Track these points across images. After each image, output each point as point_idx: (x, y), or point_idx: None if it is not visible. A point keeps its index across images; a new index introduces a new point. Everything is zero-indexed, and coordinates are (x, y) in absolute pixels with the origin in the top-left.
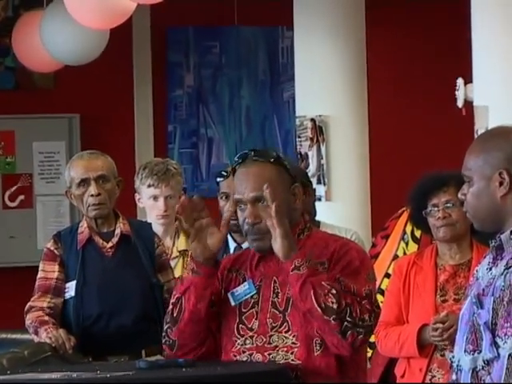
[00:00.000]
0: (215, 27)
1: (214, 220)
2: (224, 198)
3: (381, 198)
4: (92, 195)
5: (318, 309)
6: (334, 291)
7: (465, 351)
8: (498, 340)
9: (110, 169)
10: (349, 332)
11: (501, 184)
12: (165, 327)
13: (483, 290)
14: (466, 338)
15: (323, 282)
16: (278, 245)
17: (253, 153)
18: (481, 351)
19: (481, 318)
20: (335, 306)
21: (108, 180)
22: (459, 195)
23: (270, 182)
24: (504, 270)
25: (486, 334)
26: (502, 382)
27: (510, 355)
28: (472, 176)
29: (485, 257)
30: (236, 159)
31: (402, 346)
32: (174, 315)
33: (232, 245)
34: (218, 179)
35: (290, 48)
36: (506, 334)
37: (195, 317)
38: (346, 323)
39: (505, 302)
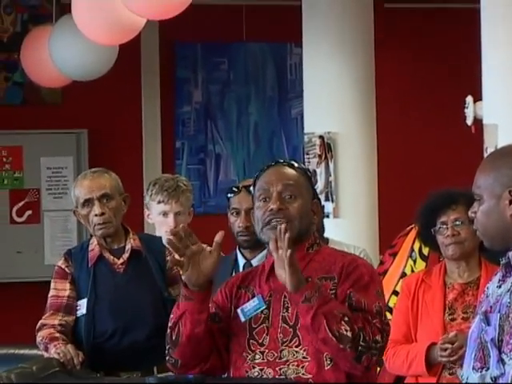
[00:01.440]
0: (224, 43)
1: (227, 236)
2: (235, 213)
3: (389, 216)
4: (96, 215)
5: (333, 338)
6: (346, 318)
7: (473, 368)
8: (504, 356)
9: (114, 186)
10: (364, 356)
11: (510, 202)
12: (167, 347)
13: (491, 307)
14: (474, 356)
15: (335, 311)
16: (287, 278)
17: (282, 160)
18: (488, 368)
19: (488, 334)
20: (349, 334)
21: (112, 198)
22: (469, 213)
23: (297, 182)
24: (511, 286)
25: (493, 350)
26: None
27: None
28: (482, 194)
29: (495, 274)
30: (262, 168)
31: (411, 364)
32: (173, 339)
33: (241, 261)
34: (229, 195)
35: (298, 64)
36: (511, 351)
37: (194, 340)
38: (360, 348)
39: (510, 319)
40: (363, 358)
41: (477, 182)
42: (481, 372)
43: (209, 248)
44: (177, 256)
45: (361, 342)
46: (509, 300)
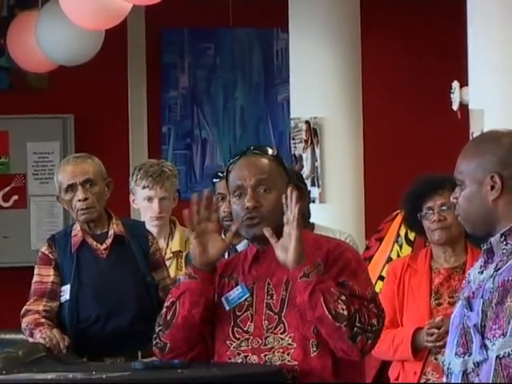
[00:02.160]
0: (210, 29)
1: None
2: (220, 199)
3: (375, 201)
4: (79, 200)
5: (329, 316)
6: (343, 297)
7: (455, 354)
8: (487, 342)
9: (97, 171)
10: (359, 337)
11: (492, 188)
12: (156, 329)
13: (473, 292)
14: (457, 341)
15: (332, 289)
16: (291, 249)
17: (252, 147)
18: (471, 354)
19: (470, 320)
20: (345, 313)
21: (95, 183)
22: (451, 199)
23: (270, 173)
24: (493, 272)
25: (476, 336)
26: (491, 383)
27: (497, 356)
28: (464, 179)
29: (477, 260)
30: (234, 156)
31: (397, 349)
32: (168, 319)
33: None
34: (215, 180)
35: (284, 50)
36: (494, 336)
37: (189, 322)
38: (355, 329)
39: (493, 304)
40: (358, 339)
41: (459, 168)
42: (463, 357)
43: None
44: (193, 221)
45: (356, 323)
46: (492, 285)
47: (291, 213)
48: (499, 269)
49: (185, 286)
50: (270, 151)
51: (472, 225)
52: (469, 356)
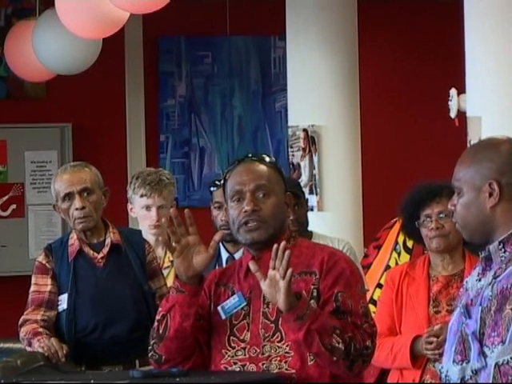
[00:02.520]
0: (207, 37)
1: (205, 230)
2: (217, 207)
3: (373, 209)
4: (77, 209)
5: (326, 352)
6: (337, 331)
7: (453, 361)
8: (486, 349)
9: (95, 180)
10: (355, 364)
11: (490, 195)
12: (150, 342)
13: (471, 300)
14: (455, 349)
15: (326, 325)
16: (281, 300)
17: (250, 154)
18: (469, 361)
19: (469, 327)
20: (341, 346)
21: (92, 192)
22: (449, 206)
23: (269, 178)
24: (492, 279)
25: (474, 343)
26: None
27: (496, 364)
28: (462, 187)
29: (475, 268)
30: (231, 164)
31: (395, 357)
32: (160, 332)
33: (224, 255)
34: (212, 188)
35: (282, 58)
36: (493, 344)
37: (181, 334)
38: (351, 357)
39: (492, 312)
40: (355, 366)
41: (456, 175)
42: (461, 365)
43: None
44: (171, 240)
45: (352, 351)
46: (490, 293)
47: (283, 269)
48: (498, 276)
49: (173, 300)
50: (267, 158)
51: (470, 232)
52: (467, 363)
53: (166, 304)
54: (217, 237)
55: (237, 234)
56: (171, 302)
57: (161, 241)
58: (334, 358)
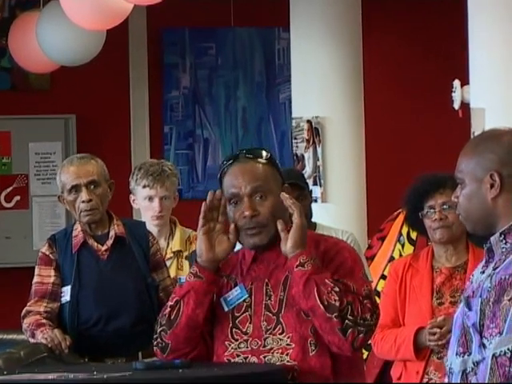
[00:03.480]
0: (211, 28)
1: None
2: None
3: (377, 200)
4: (83, 201)
5: (321, 306)
6: (336, 289)
7: (456, 354)
8: (485, 341)
9: (101, 173)
10: (349, 330)
11: (491, 186)
12: (158, 329)
13: (473, 291)
14: (458, 341)
15: (326, 280)
16: (290, 234)
17: (245, 151)
18: (471, 353)
19: (469, 319)
20: (337, 304)
21: (99, 184)
22: (452, 198)
23: (265, 179)
24: (491, 271)
25: (475, 335)
26: (487, 382)
27: (493, 355)
28: (464, 178)
29: (481, 260)
30: (226, 160)
31: (399, 348)
32: (171, 318)
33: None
34: None
35: (286, 49)
36: (491, 335)
37: (192, 322)
38: (346, 321)
39: (491, 303)
40: (349, 331)
41: (459, 166)
42: (463, 357)
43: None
44: (201, 221)
45: (348, 315)
46: (489, 284)
47: (292, 208)
48: (497, 267)
49: (189, 286)
50: (262, 154)
51: (473, 224)
52: (468, 355)
53: (181, 290)
54: (232, 225)
55: (240, 236)
56: (187, 288)
57: (164, 231)
58: (328, 315)
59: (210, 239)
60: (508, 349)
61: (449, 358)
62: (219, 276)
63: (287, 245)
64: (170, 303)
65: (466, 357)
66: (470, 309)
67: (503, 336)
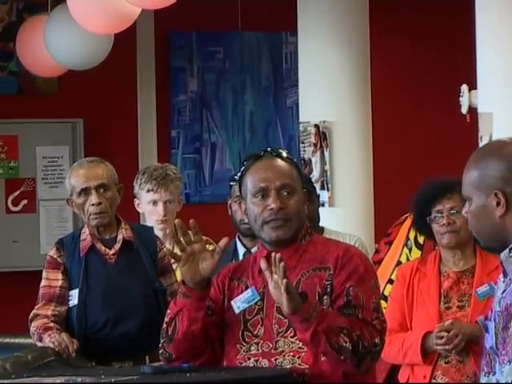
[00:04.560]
0: (219, 32)
1: (217, 226)
2: (238, 202)
3: (384, 204)
4: (93, 204)
5: (333, 351)
6: (344, 331)
7: (484, 373)
8: (498, 367)
9: (111, 176)
10: (364, 361)
11: (498, 204)
12: (161, 340)
13: (491, 311)
14: (484, 360)
15: (333, 325)
16: (284, 306)
17: (269, 150)
18: (495, 373)
19: (487, 342)
20: (349, 345)
21: (109, 188)
22: (463, 213)
23: (292, 176)
24: (501, 294)
25: (495, 357)
26: None
27: None
28: (470, 196)
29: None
30: (249, 158)
31: (406, 353)
32: (169, 334)
33: (241, 250)
34: (232, 183)
35: (293, 53)
36: (503, 362)
37: (189, 337)
38: (359, 354)
39: (500, 329)
40: (363, 363)
41: (464, 184)
42: (488, 376)
43: (211, 248)
44: (176, 249)
45: (360, 349)
46: (498, 308)
47: (279, 277)
48: (504, 291)
49: (181, 304)
50: (285, 154)
51: (484, 239)
52: (493, 375)
53: (174, 307)
54: (222, 243)
55: (260, 231)
56: (179, 306)
57: (168, 234)
58: (342, 357)
59: (192, 265)
60: None
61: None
62: (209, 290)
63: (284, 309)
64: (165, 319)
65: (491, 376)
66: (487, 331)
67: None
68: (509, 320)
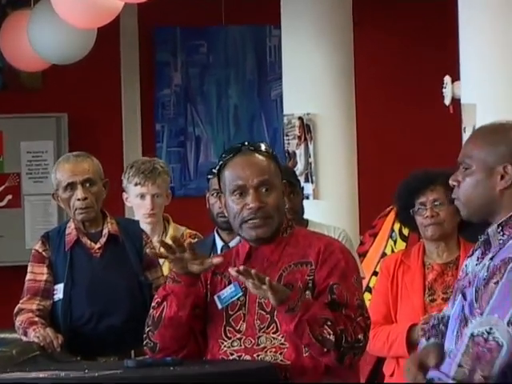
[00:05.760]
0: (203, 27)
1: (202, 219)
2: (215, 195)
3: (369, 196)
4: (79, 199)
5: (317, 343)
6: (328, 322)
7: (456, 345)
8: (469, 323)
9: (97, 171)
10: (346, 356)
11: (502, 177)
12: (146, 330)
13: (469, 282)
14: (456, 332)
15: (317, 316)
16: (269, 297)
17: (247, 144)
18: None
19: (466, 309)
20: (332, 338)
21: (94, 183)
22: (450, 181)
23: (270, 172)
24: (488, 261)
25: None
26: (459, 357)
27: (472, 334)
28: (472, 164)
29: (473, 251)
30: (227, 152)
31: (391, 346)
32: (155, 319)
33: (219, 244)
34: (209, 176)
35: (277, 47)
36: (474, 315)
37: (176, 323)
38: (342, 349)
39: (482, 289)
40: (345, 358)
41: (468, 152)
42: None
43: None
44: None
45: (343, 344)
46: (486, 273)
47: (260, 283)
48: (493, 257)
49: (170, 289)
50: (263, 147)
51: (471, 211)
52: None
53: (163, 291)
54: (215, 260)
55: (238, 230)
56: (167, 291)
57: (157, 229)
58: (325, 349)
59: (181, 262)
60: (486, 330)
61: (448, 348)
62: (198, 278)
63: (272, 302)
64: (152, 304)
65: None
66: (465, 299)
67: (483, 317)
68: (491, 277)
